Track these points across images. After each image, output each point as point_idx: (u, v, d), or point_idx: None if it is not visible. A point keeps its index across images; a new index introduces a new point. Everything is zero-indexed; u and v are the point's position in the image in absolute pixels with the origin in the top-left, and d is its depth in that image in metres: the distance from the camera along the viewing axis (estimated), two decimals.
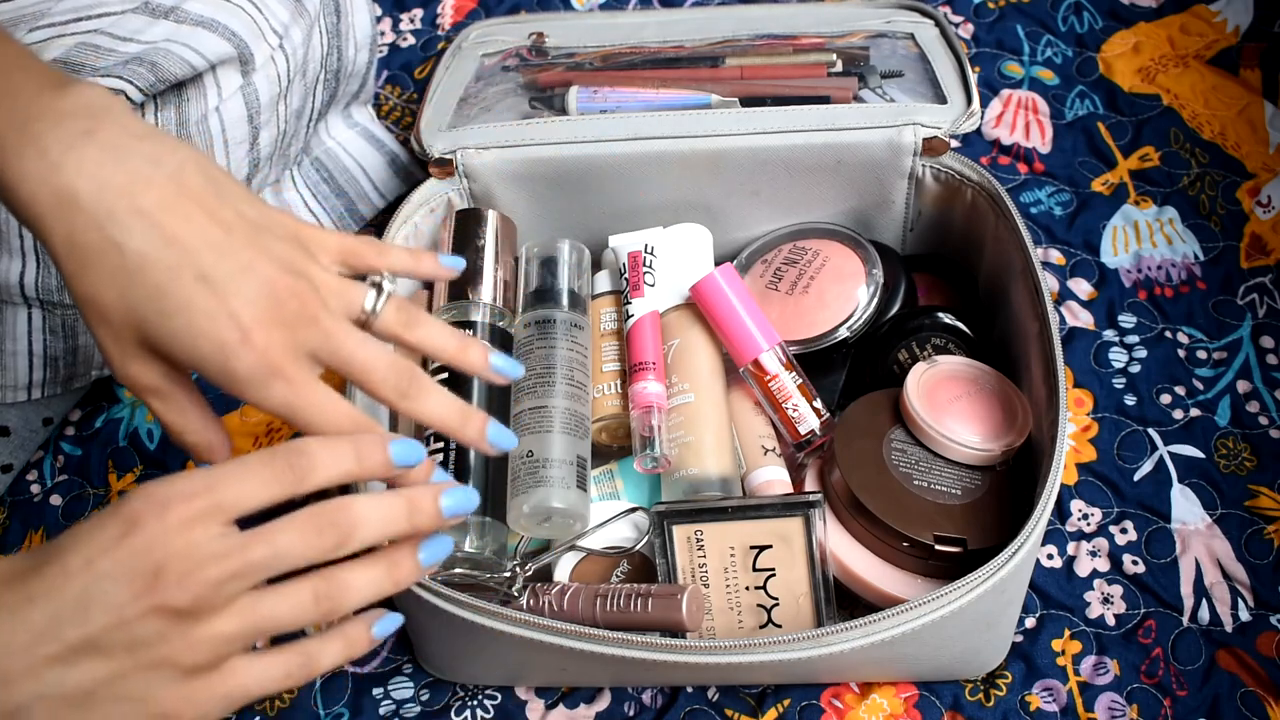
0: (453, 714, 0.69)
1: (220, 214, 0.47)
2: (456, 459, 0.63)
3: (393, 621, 0.48)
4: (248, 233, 0.47)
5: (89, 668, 0.40)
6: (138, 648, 0.41)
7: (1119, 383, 0.79)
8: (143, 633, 0.41)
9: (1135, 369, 0.79)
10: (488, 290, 0.68)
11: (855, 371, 0.72)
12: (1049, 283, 0.83)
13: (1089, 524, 0.73)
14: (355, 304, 0.50)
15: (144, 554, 0.41)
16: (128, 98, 0.64)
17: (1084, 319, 0.82)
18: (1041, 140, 0.91)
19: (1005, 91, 0.94)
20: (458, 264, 0.57)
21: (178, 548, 0.41)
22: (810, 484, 0.67)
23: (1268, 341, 0.80)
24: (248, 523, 0.44)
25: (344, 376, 0.49)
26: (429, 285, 0.72)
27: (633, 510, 0.66)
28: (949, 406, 0.65)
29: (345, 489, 0.54)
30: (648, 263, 0.71)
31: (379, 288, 0.51)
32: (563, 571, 0.67)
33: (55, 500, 0.79)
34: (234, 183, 0.49)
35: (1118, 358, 0.80)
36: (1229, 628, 0.69)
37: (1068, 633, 0.69)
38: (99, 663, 0.40)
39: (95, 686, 0.41)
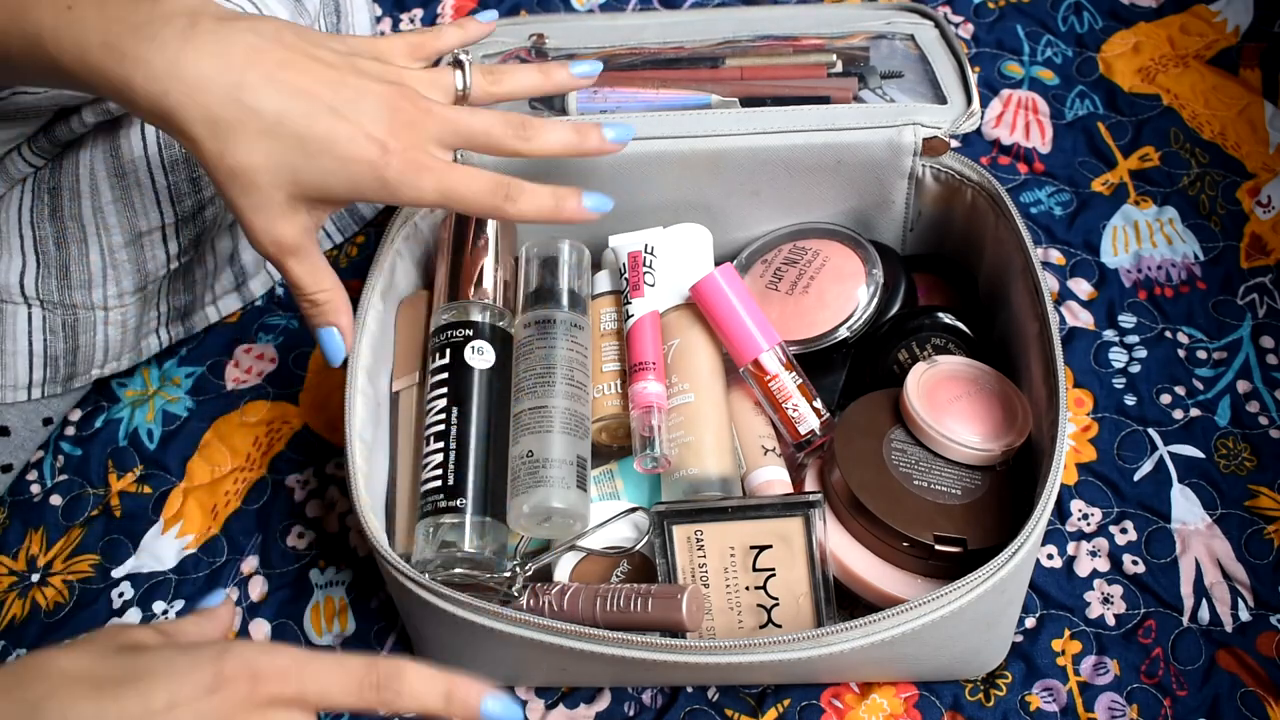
0: None
1: (322, 57, 0.54)
2: (457, 459, 0.63)
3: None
4: (347, 65, 0.54)
5: None
6: None
7: (1119, 383, 0.79)
8: None
9: (1135, 369, 0.79)
10: (488, 290, 0.68)
11: (855, 371, 0.72)
12: (1049, 283, 0.83)
13: (1089, 524, 0.73)
14: (449, 86, 0.59)
15: (223, 717, 0.42)
16: None
17: (1084, 319, 0.82)
18: (1041, 140, 0.91)
19: (1005, 91, 0.94)
20: (491, 16, 0.66)
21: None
22: (810, 484, 0.67)
23: (1268, 341, 0.80)
24: None
25: (471, 148, 0.57)
26: (429, 284, 0.72)
27: (633, 510, 0.66)
28: (949, 406, 0.65)
29: None
30: (648, 263, 0.71)
31: (459, 64, 0.60)
32: (563, 571, 0.67)
33: (55, 500, 0.79)
34: (314, 31, 0.56)
35: (1118, 358, 0.80)
36: (1229, 628, 0.69)
37: (1068, 633, 0.69)
38: None
39: None
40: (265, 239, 0.54)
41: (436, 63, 0.61)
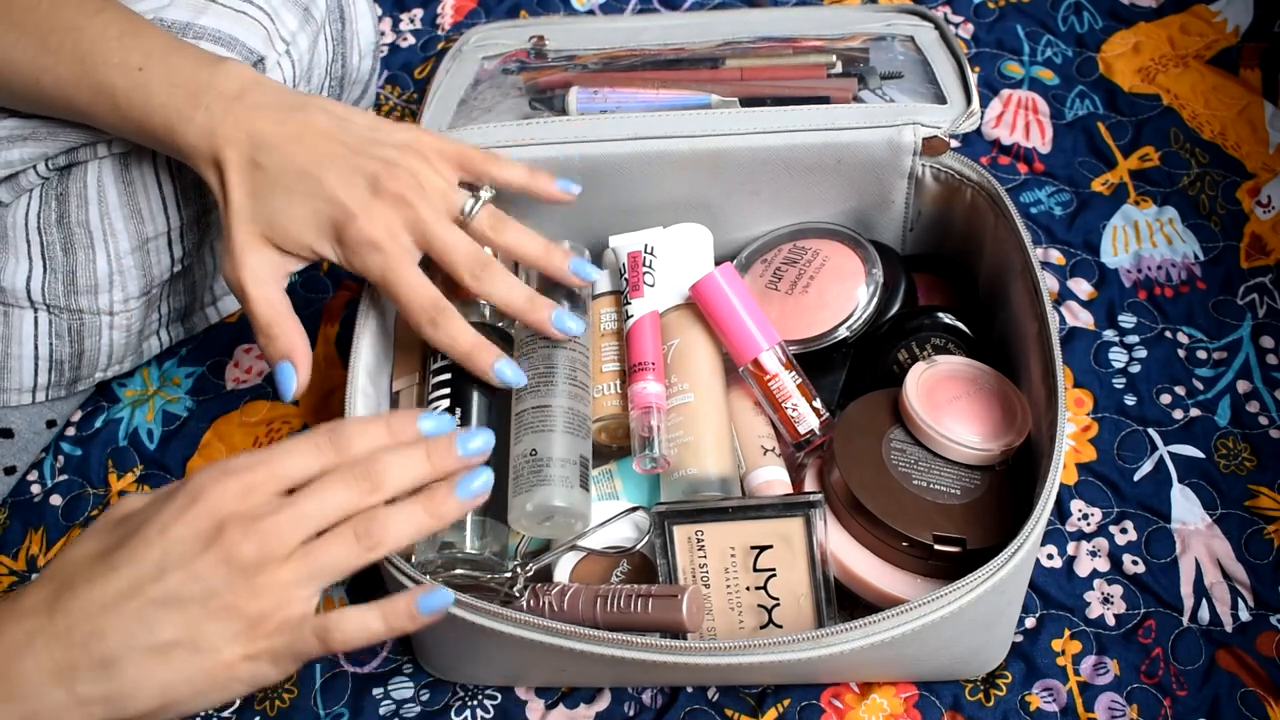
0: (453, 714, 0.69)
1: (341, 139, 0.62)
2: None
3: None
4: (363, 145, 0.62)
5: (169, 620, 0.46)
6: (209, 598, 0.46)
7: (1119, 383, 0.79)
8: (212, 582, 0.46)
9: (1135, 369, 0.79)
10: None
11: (855, 371, 0.72)
12: (1049, 283, 0.83)
13: (1089, 524, 0.73)
14: (455, 205, 0.63)
15: (209, 515, 0.47)
16: None
17: (1084, 319, 0.82)
18: (1041, 140, 0.91)
19: (1005, 91, 0.94)
20: (573, 190, 0.68)
21: (238, 508, 0.47)
22: (810, 484, 0.67)
23: (1268, 341, 0.80)
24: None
25: (429, 253, 0.62)
26: None
27: (633, 510, 0.66)
28: (948, 406, 0.65)
29: None
30: (648, 263, 0.71)
31: (477, 195, 0.64)
32: (563, 572, 0.67)
33: (55, 500, 0.79)
34: (362, 115, 0.64)
35: (1118, 358, 0.80)
36: (1229, 628, 0.69)
37: (1068, 633, 0.69)
38: (177, 614, 0.46)
39: (175, 636, 0.46)
40: (239, 265, 0.62)
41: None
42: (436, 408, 0.65)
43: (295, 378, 0.62)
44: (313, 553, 0.48)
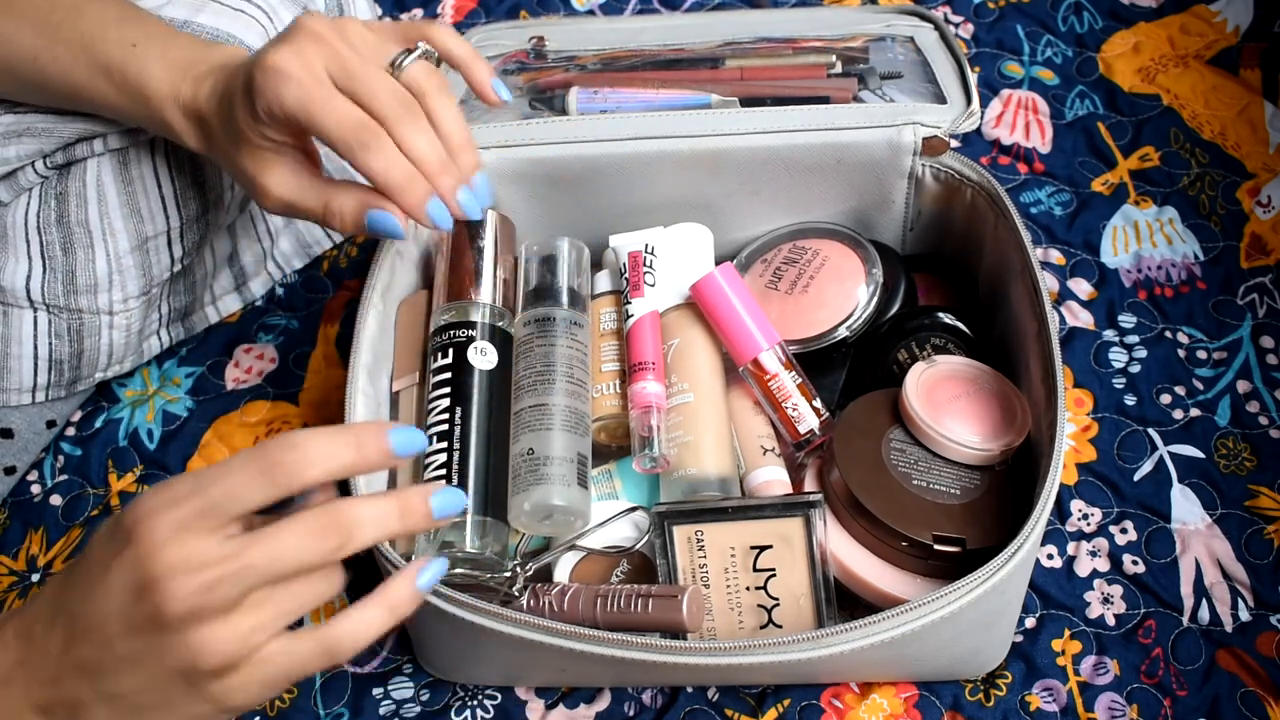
0: (453, 714, 0.69)
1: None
2: (460, 459, 0.63)
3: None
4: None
5: (128, 678, 0.43)
6: (161, 656, 0.42)
7: (1119, 383, 0.79)
8: (156, 642, 0.42)
9: (1135, 369, 0.79)
10: (487, 290, 0.68)
11: (855, 371, 0.72)
12: (1049, 283, 0.83)
13: (1089, 524, 0.73)
14: (382, 54, 0.57)
15: (138, 567, 0.42)
16: None
17: (1084, 319, 0.82)
18: (1041, 140, 0.91)
19: (1005, 91, 0.94)
20: (504, 95, 0.62)
21: (169, 558, 0.42)
22: (810, 484, 0.67)
23: (1268, 341, 0.80)
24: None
25: (348, 93, 0.55)
26: (429, 284, 0.72)
27: (633, 510, 0.66)
28: (948, 406, 0.65)
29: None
30: (648, 262, 0.71)
31: (411, 51, 0.57)
32: (563, 571, 0.67)
33: (55, 500, 0.79)
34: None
35: (1118, 358, 0.80)
36: (1229, 628, 0.69)
37: (1068, 633, 0.69)
38: (134, 673, 0.43)
39: (138, 694, 0.43)
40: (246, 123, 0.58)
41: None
42: (435, 406, 0.65)
43: (392, 215, 0.57)
44: (275, 596, 0.44)
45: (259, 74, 0.54)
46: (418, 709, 0.69)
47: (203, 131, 0.61)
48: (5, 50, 0.63)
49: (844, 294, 0.71)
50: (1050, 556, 0.72)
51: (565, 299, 0.69)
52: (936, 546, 0.61)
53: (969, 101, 0.71)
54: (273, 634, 0.44)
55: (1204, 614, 0.70)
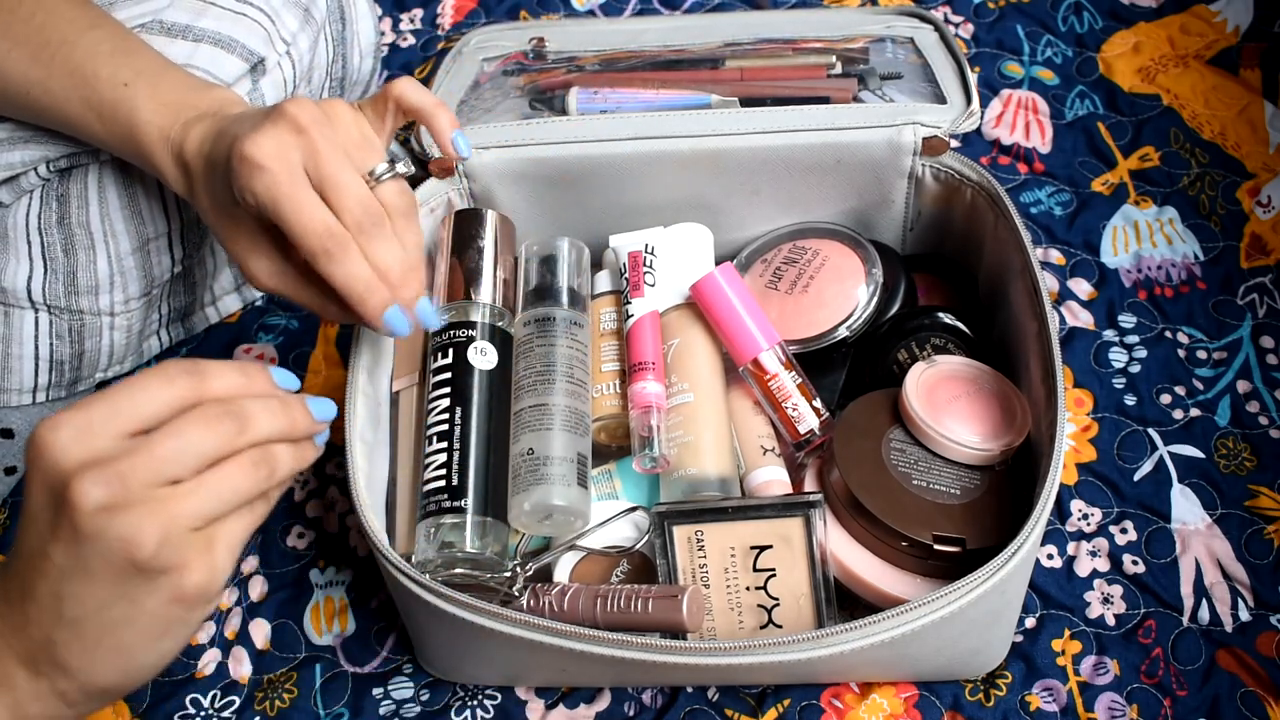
0: (453, 714, 0.69)
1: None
2: (460, 459, 0.63)
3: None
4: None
5: (78, 592, 0.43)
6: (96, 559, 0.43)
7: (1119, 383, 0.79)
8: (88, 546, 0.42)
9: (1135, 369, 0.79)
10: (487, 290, 0.68)
11: (855, 371, 0.72)
12: (1049, 283, 0.83)
13: (1089, 524, 0.73)
14: (363, 160, 0.56)
15: (49, 477, 0.43)
16: None
17: (1084, 319, 0.82)
18: (1041, 140, 0.91)
19: (1005, 91, 0.94)
20: (463, 152, 0.62)
21: (73, 457, 0.43)
22: (810, 484, 0.67)
23: (1268, 341, 0.80)
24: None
25: (318, 189, 0.54)
26: (429, 285, 0.72)
27: (633, 510, 0.66)
28: (948, 406, 0.65)
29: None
30: (648, 262, 0.71)
31: (393, 164, 0.57)
32: (563, 571, 0.67)
33: None
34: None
35: (1118, 358, 0.80)
36: (1229, 628, 0.69)
37: (1068, 633, 0.69)
38: (81, 586, 0.43)
39: (97, 611, 0.43)
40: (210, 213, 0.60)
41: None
42: (436, 406, 0.65)
43: (403, 319, 0.58)
44: (206, 484, 0.44)
45: (234, 161, 0.54)
46: (418, 709, 0.69)
47: (188, 181, 0.60)
48: (1, 81, 0.62)
49: (844, 294, 0.71)
50: (1050, 556, 0.72)
51: (565, 299, 0.69)
52: (936, 546, 0.61)
53: (969, 101, 0.71)
54: (209, 517, 0.44)
55: (1204, 614, 0.70)
